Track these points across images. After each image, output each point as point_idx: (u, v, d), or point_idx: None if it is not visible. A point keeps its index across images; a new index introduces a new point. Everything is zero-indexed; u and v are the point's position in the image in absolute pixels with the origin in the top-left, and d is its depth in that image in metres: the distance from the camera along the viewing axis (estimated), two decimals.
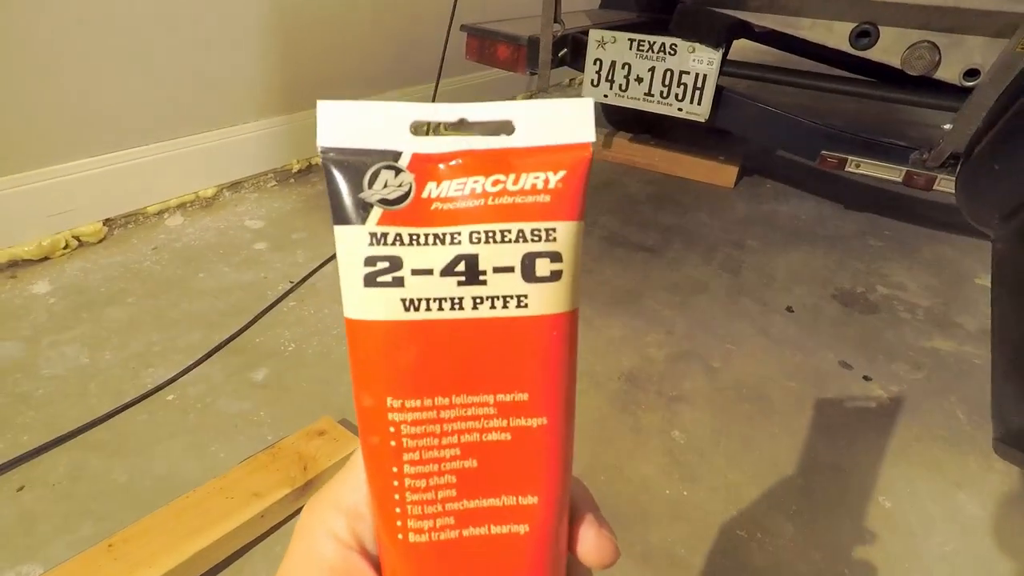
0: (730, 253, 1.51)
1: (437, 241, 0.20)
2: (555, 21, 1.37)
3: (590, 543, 0.22)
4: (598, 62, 1.42)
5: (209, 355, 1.02)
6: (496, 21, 1.61)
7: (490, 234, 0.20)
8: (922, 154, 1.14)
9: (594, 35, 1.41)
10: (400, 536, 0.21)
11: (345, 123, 0.20)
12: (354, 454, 0.22)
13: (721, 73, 1.32)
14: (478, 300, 0.20)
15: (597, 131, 2.14)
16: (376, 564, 0.22)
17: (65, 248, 1.31)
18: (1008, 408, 0.55)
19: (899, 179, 1.20)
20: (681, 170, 1.96)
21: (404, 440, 0.20)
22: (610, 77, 1.41)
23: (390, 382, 0.20)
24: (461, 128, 0.20)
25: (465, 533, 0.21)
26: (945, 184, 1.14)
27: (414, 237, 0.20)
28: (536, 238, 0.20)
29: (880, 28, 1.07)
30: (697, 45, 1.27)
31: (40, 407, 0.90)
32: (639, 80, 1.38)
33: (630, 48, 1.36)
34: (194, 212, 1.54)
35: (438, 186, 0.20)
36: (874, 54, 1.10)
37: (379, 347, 0.20)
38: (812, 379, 1.09)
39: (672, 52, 1.31)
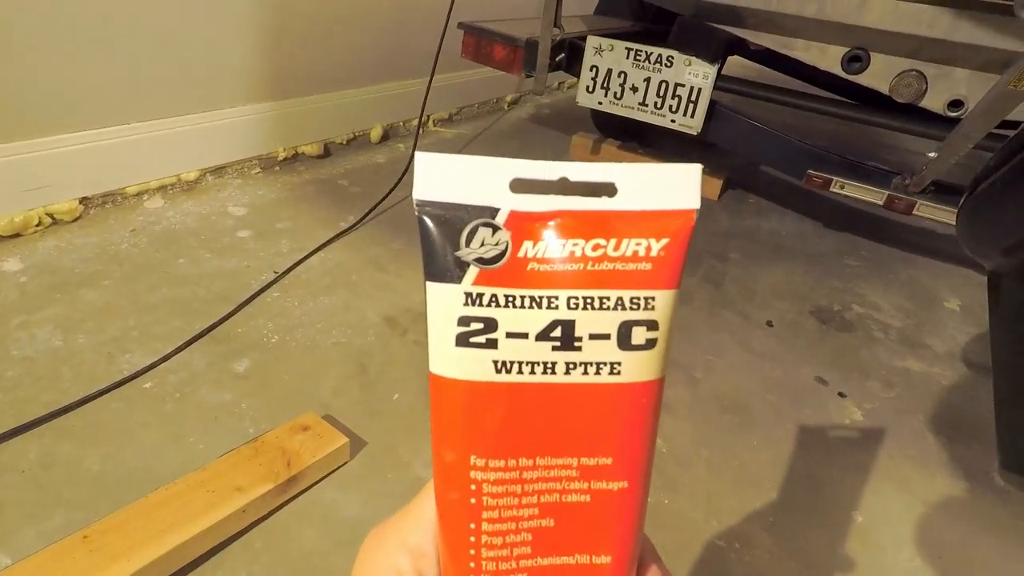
0: (713, 265, 1.53)
1: (534, 304, 0.19)
2: (555, 25, 1.37)
3: None
4: (594, 69, 1.43)
5: (189, 343, 1.00)
6: (493, 21, 1.61)
7: (588, 300, 0.19)
8: (904, 179, 1.17)
9: (592, 42, 1.41)
10: None
11: (443, 177, 0.19)
12: (422, 493, 0.22)
13: (714, 87, 1.34)
14: (571, 365, 0.20)
15: (586, 136, 2.14)
16: None
17: (38, 225, 1.27)
18: (1009, 436, 0.56)
19: (880, 202, 1.23)
20: None
21: (484, 499, 0.20)
22: (605, 84, 1.42)
23: (475, 441, 0.20)
24: (563, 188, 0.20)
25: None
26: (925, 210, 1.17)
27: (510, 299, 0.19)
28: (635, 306, 0.20)
29: (871, 54, 1.10)
30: (694, 58, 1.29)
31: (9, 390, 0.87)
32: (634, 89, 1.39)
33: (627, 57, 1.38)
34: (175, 195, 1.50)
35: (535, 246, 0.19)
36: (864, 79, 1.13)
37: (466, 406, 0.20)
38: (790, 393, 1.11)
39: (669, 64, 1.33)
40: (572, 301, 0.19)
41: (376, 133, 2.03)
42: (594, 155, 2.04)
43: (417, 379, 1.00)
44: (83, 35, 1.26)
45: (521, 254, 0.19)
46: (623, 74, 1.39)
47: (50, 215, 1.29)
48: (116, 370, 0.93)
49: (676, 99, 1.34)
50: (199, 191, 1.54)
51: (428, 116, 2.21)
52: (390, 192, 1.61)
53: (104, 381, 0.90)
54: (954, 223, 1.11)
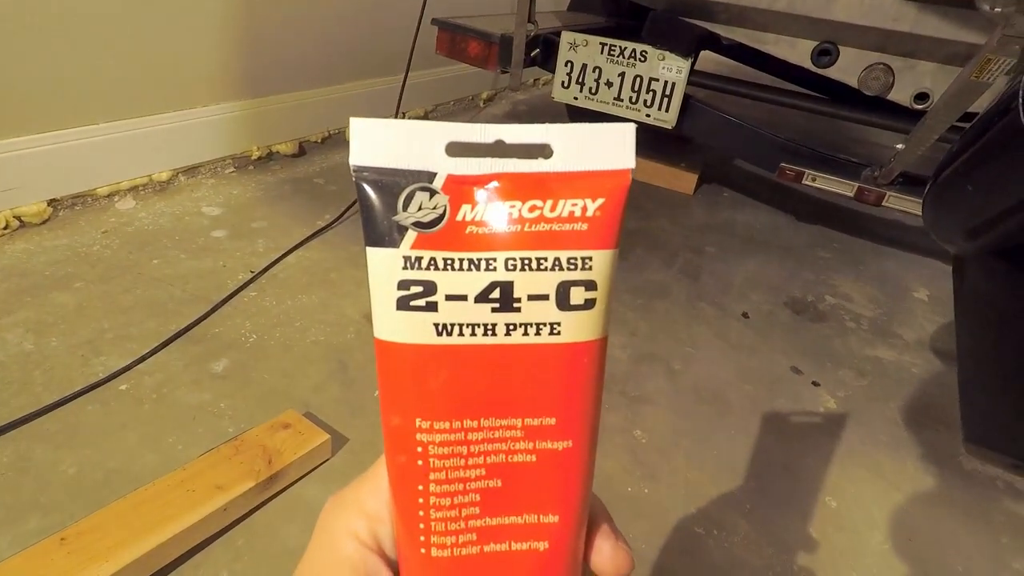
0: (690, 258, 1.55)
1: (472, 267, 0.19)
2: (529, 21, 1.38)
3: (606, 555, 0.23)
4: (569, 64, 1.44)
5: (165, 344, 0.99)
6: (468, 17, 1.61)
7: (526, 262, 0.19)
8: (873, 171, 1.20)
9: (566, 37, 1.42)
10: (423, 551, 0.21)
11: (379, 142, 0.19)
12: (379, 461, 0.23)
13: (688, 83, 1.35)
14: (511, 327, 0.20)
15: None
16: (394, 567, 0.22)
17: (5, 228, 1.24)
18: (970, 411, 0.59)
19: (851, 194, 1.26)
20: (642, 175, 2.00)
21: (431, 460, 0.20)
22: (580, 80, 1.43)
23: (419, 404, 0.20)
24: (497, 150, 0.20)
25: (486, 549, 0.21)
26: (894, 201, 1.20)
27: (448, 262, 0.19)
28: (572, 267, 0.20)
29: (840, 48, 1.12)
30: (667, 53, 1.30)
31: None
32: (609, 84, 1.40)
33: (601, 52, 1.39)
34: (147, 196, 1.48)
35: (473, 209, 0.20)
36: (833, 72, 1.16)
37: (409, 370, 0.20)
38: (766, 383, 1.13)
39: (643, 59, 1.34)
40: (510, 263, 0.19)
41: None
42: None
43: None
44: (50, 33, 1.24)
45: (459, 217, 0.20)
46: (598, 69, 1.40)
47: (18, 217, 1.26)
48: (91, 372, 0.92)
49: (651, 93, 1.35)
50: (172, 191, 1.52)
51: (403, 113, 2.21)
52: None
53: (78, 384, 0.89)
54: (921, 214, 1.14)
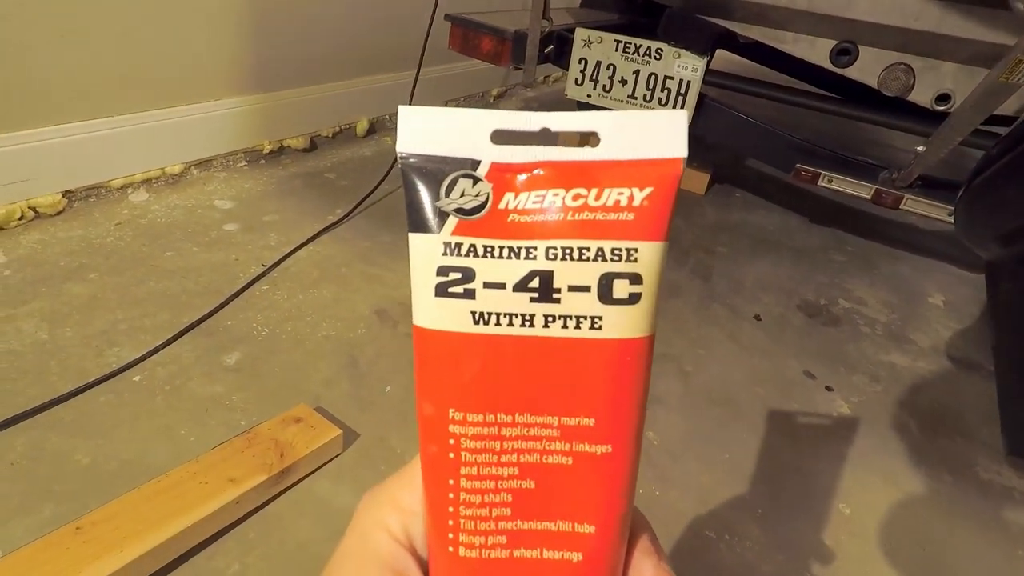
0: (701, 259, 1.54)
1: (512, 255, 0.19)
2: (543, 17, 1.37)
3: (647, 574, 0.22)
4: (583, 61, 1.43)
5: (178, 336, 0.99)
6: (481, 13, 1.60)
7: (567, 251, 0.19)
8: (892, 174, 1.19)
9: (580, 34, 1.41)
10: (451, 548, 0.21)
11: (425, 129, 0.19)
12: (415, 457, 0.22)
13: (703, 82, 1.34)
14: (550, 318, 0.19)
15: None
16: (424, 565, 0.22)
17: (20, 219, 1.25)
18: (1012, 424, 0.58)
19: (868, 196, 1.25)
20: None
21: (463, 453, 0.20)
22: (594, 77, 1.42)
23: (453, 393, 0.20)
24: (545, 138, 0.20)
25: (516, 554, 0.21)
26: (911, 204, 1.18)
27: (488, 249, 0.19)
28: (616, 258, 0.19)
29: (860, 48, 1.11)
30: (683, 51, 1.29)
31: None
32: (623, 82, 1.39)
33: (616, 49, 1.38)
34: (160, 189, 1.48)
35: (516, 197, 0.19)
36: (852, 72, 1.14)
37: (445, 357, 0.19)
38: (778, 387, 1.12)
39: (658, 56, 1.33)
40: (551, 252, 0.19)
41: (362, 126, 2.02)
42: None
43: (408, 371, 1.00)
44: (65, 27, 1.24)
45: (502, 205, 0.19)
46: (612, 66, 1.39)
47: (33, 208, 1.27)
48: (104, 363, 0.92)
49: (665, 92, 1.34)
50: (184, 184, 1.52)
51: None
52: (378, 185, 1.60)
53: (92, 374, 0.89)
54: (940, 218, 1.12)
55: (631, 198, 0.19)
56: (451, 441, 0.20)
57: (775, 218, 1.86)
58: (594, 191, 0.19)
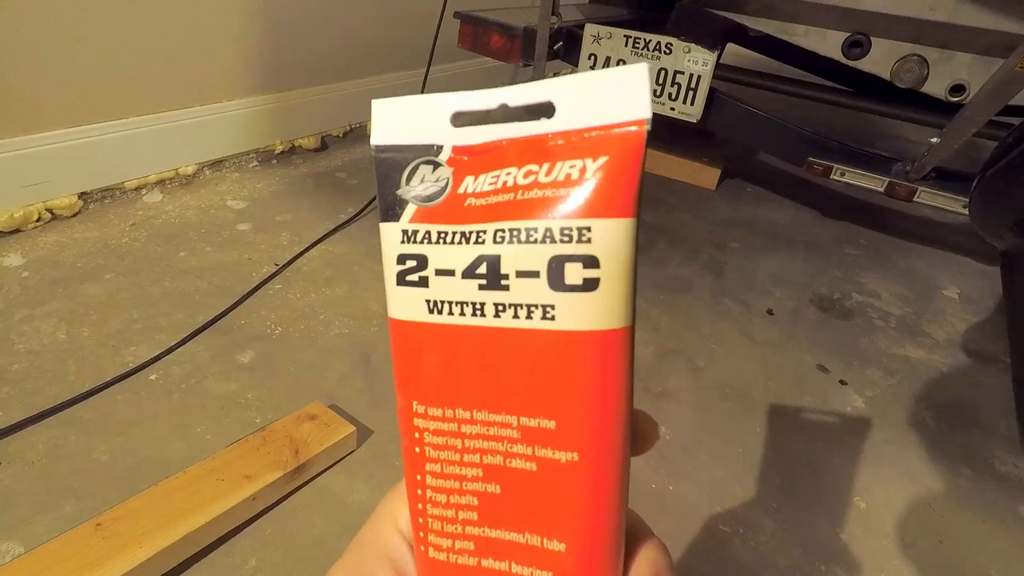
0: (713, 254, 1.54)
1: (462, 240, 0.18)
2: (552, 13, 1.37)
3: None
4: (592, 57, 1.43)
5: (193, 335, 1.00)
6: (490, 10, 1.60)
7: (515, 233, 0.17)
8: (905, 166, 1.18)
9: (590, 30, 1.41)
10: (422, 548, 0.20)
11: (393, 120, 0.19)
12: None
13: (713, 76, 1.34)
14: (500, 307, 0.18)
15: None
16: None
17: (38, 221, 1.26)
18: None
19: (881, 189, 1.23)
20: (664, 170, 1.99)
21: (427, 449, 0.19)
22: None
23: (417, 385, 0.19)
24: (502, 115, 0.18)
25: (484, 564, 0.19)
26: (925, 196, 1.17)
27: (441, 235, 0.18)
28: (566, 238, 0.17)
29: (872, 39, 1.10)
30: (693, 45, 1.29)
31: (16, 383, 0.87)
32: None
33: (625, 45, 1.37)
34: (173, 189, 1.50)
35: (475, 180, 0.18)
36: (865, 65, 1.13)
37: (406, 348, 0.19)
38: (792, 381, 1.12)
39: (668, 51, 1.32)
40: (498, 235, 0.17)
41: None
42: None
43: None
44: (79, 30, 1.25)
45: (461, 190, 0.18)
46: (621, 62, 1.38)
47: (50, 210, 1.28)
48: (121, 362, 0.93)
49: (676, 87, 1.34)
50: (197, 185, 1.54)
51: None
52: None
53: (110, 373, 0.90)
54: (955, 210, 1.11)
55: (583, 170, 0.17)
56: (416, 435, 0.19)
57: (787, 212, 1.85)
58: (546, 166, 0.17)
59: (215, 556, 0.67)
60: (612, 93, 0.17)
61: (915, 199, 1.19)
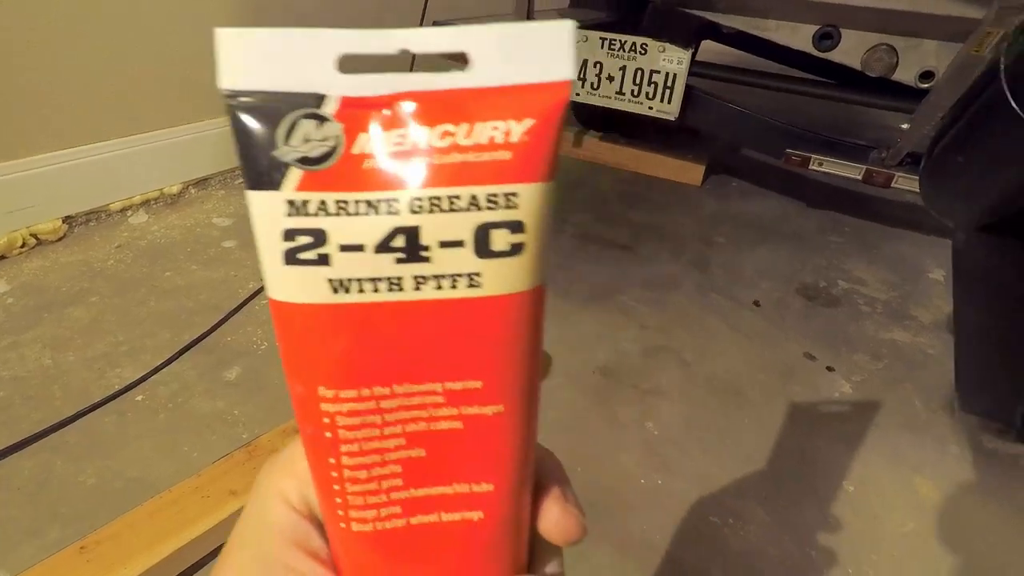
0: (699, 249, 1.54)
1: (370, 210, 0.16)
2: (528, 18, 1.38)
3: (552, 520, 0.22)
4: None
5: (179, 354, 1.00)
6: (470, 18, 1.61)
7: (435, 201, 0.16)
8: (881, 153, 1.19)
9: None
10: (343, 525, 0.20)
11: (254, 58, 0.16)
12: None
13: (690, 73, 1.35)
14: (421, 280, 0.17)
15: (567, 129, 2.16)
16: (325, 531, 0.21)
17: (22, 246, 1.27)
18: (968, 384, 0.58)
19: (859, 177, 1.24)
20: (650, 168, 1.99)
21: (340, 431, 0.18)
22: (582, 76, 1.43)
23: (321, 371, 0.18)
24: (405, 63, 0.17)
25: (413, 521, 0.20)
26: (903, 182, 1.18)
27: (342, 205, 0.16)
28: (493, 205, 0.16)
29: (842, 31, 1.11)
30: (667, 45, 1.30)
31: (1, 410, 0.87)
32: (610, 79, 1.40)
33: (602, 47, 1.38)
34: (159, 210, 1.50)
35: (373, 140, 0.16)
36: (836, 56, 1.14)
37: (305, 333, 0.17)
38: (779, 371, 1.12)
39: (643, 51, 1.33)
40: (416, 203, 0.16)
41: None
42: (576, 147, 2.05)
43: None
44: (59, 55, 1.26)
45: (356, 150, 0.16)
46: (599, 64, 1.39)
47: (34, 235, 1.29)
48: (107, 385, 0.93)
49: (652, 86, 1.35)
50: (183, 204, 1.54)
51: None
52: None
53: (95, 396, 0.90)
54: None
55: (508, 133, 0.16)
56: (326, 420, 0.18)
57: (772, 205, 1.86)
58: (464, 127, 0.16)
59: (201, 574, 0.67)
60: (535, 49, 0.16)
61: (893, 185, 1.19)
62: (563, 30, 0.16)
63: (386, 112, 0.16)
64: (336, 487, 0.19)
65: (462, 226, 0.16)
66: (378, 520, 0.19)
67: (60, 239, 1.32)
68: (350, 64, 0.16)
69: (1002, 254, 0.51)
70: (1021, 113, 0.44)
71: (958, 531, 0.83)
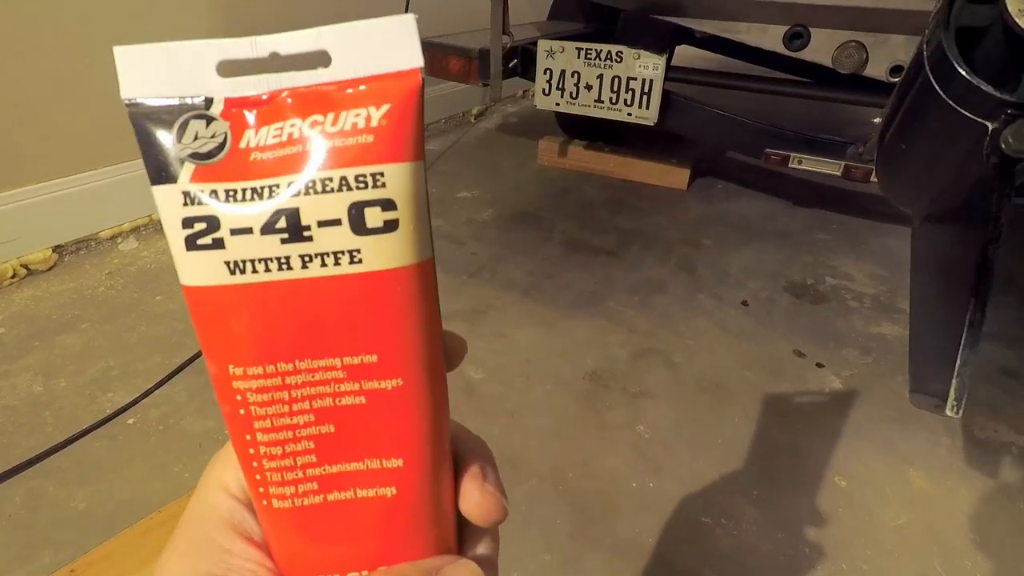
0: (686, 252, 1.55)
1: (255, 196, 0.18)
2: (504, 33, 1.40)
3: (472, 501, 0.22)
4: (548, 71, 1.46)
5: (170, 377, 1.01)
6: (447, 35, 1.63)
7: (310, 185, 0.18)
8: (858, 148, 1.20)
9: (543, 45, 1.44)
10: (264, 502, 0.21)
11: (149, 70, 0.18)
12: None
13: (668, 79, 1.37)
14: (306, 258, 0.18)
15: (552, 139, 2.16)
16: None
17: (13, 277, 1.28)
18: (918, 365, 0.59)
19: (838, 173, 1.26)
20: (635, 175, 2.01)
21: (252, 408, 0.19)
22: (560, 85, 1.45)
23: (229, 349, 0.19)
24: (275, 64, 0.18)
25: (330, 498, 0.21)
26: None
27: (230, 193, 0.18)
28: (362, 185, 0.18)
29: (811, 30, 1.13)
30: (642, 52, 1.32)
31: None
32: (588, 87, 1.42)
33: (578, 57, 1.40)
34: (149, 235, 1.51)
35: (256, 134, 0.18)
36: (807, 55, 1.16)
37: (212, 313, 0.19)
38: (768, 369, 1.13)
39: (619, 59, 1.35)
40: (294, 187, 0.18)
41: None
42: (562, 157, 2.07)
43: None
44: (46, 86, 1.28)
45: (243, 144, 0.18)
46: (576, 74, 1.41)
47: (24, 266, 1.30)
48: (98, 410, 0.94)
49: (630, 93, 1.37)
50: None
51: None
52: None
53: (87, 421, 0.91)
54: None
55: (368, 118, 0.18)
56: (239, 398, 0.19)
57: (758, 205, 1.87)
58: (331, 115, 0.18)
59: None
60: (385, 43, 0.18)
61: (871, 179, 1.21)
62: (407, 23, 0.18)
63: (264, 109, 0.18)
64: (255, 464, 0.20)
65: (336, 206, 0.18)
66: (296, 496, 0.20)
67: (51, 268, 1.33)
68: (230, 69, 0.18)
69: (951, 240, 0.52)
70: (943, 95, 0.45)
71: (952, 521, 0.84)
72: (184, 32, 1.52)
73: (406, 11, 1.33)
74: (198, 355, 1.06)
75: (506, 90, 1.55)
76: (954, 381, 0.53)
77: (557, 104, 1.47)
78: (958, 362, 0.54)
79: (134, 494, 0.80)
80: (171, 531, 0.61)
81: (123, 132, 1.44)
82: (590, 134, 2.11)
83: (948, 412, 0.55)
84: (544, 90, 1.48)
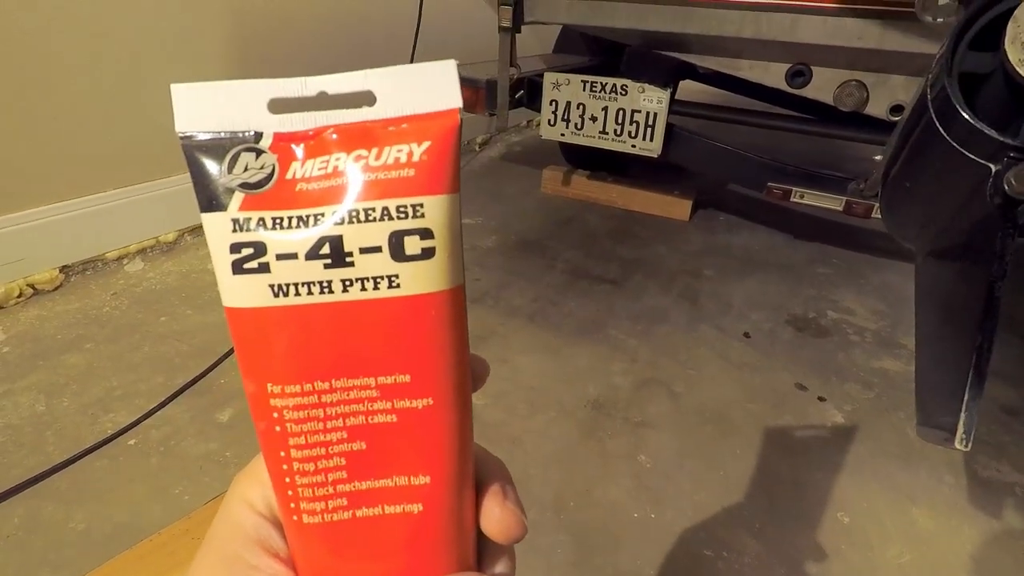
0: (688, 283, 1.56)
1: (300, 224, 0.19)
2: (511, 64, 1.43)
3: (494, 518, 0.23)
4: (554, 103, 1.48)
5: (172, 398, 1.01)
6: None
7: (354, 214, 0.19)
8: (859, 184, 1.22)
9: (549, 77, 1.47)
10: (295, 517, 0.21)
11: (202, 106, 0.19)
12: None
13: (672, 112, 1.39)
14: (347, 282, 0.19)
15: (556, 168, 2.19)
16: None
17: (19, 296, 1.28)
18: (926, 399, 0.59)
19: (840, 208, 1.27)
20: (638, 205, 2.03)
21: (288, 425, 0.20)
22: (566, 117, 1.47)
23: (268, 368, 0.20)
24: (322, 102, 0.20)
25: (359, 514, 0.21)
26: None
27: (277, 221, 0.19)
28: (402, 215, 0.19)
29: (813, 68, 1.15)
30: (647, 85, 1.34)
31: None
32: (593, 119, 1.44)
33: (583, 89, 1.43)
34: (155, 257, 1.52)
35: (302, 166, 0.19)
36: (808, 92, 1.18)
37: (253, 334, 0.20)
38: (771, 401, 1.13)
39: (623, 92, 1.38)
40: (338, 216, 0.19)
41: None
42: (565, 186, 2.09)
43: None
44: (54, 108, 1.30)
45: (289, 176, 0.19)
46: (581, 105, 1.44)
47: (31, 286, 1.30)
48: (100, 430, 0.94)
49: (634, 125, 1.39)
50: (178, 251, 1.57)
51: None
52: None
53: (88, 441, 0.91)
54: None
55: (410, 154, 0.19)
56: (275, 415, 0.20)
57: (760, 237, 1.89)
58: (374, 151, 0.19)
59: None
60: (427, 85, 0.20)
61: (873, 215, 1.22)
62: (448, 68, 0.20)
63: (310, 143, 0.20)
64: (287, 479, 0.21)
65: (378, 234, 0.19)
66: (326, 512, 0.21)
67: (57, 288, 1.34)
68: (280, 106, 0.20)
69: (955, 277, 0.53)
70: (947, 137, 0.46)
71: (956, 561, 0.83)
72: (195, 59, 1.55)
73: (413, 48, 1.37)
74: (200, 376, 1.07)
75: (510, 120, 1.58)
76: (962, 415, 0.54)
77: (562, 135, 1.50)
78: (966, 396, 0.55)
79: (133, 516, 0.80)
80: (169, 554, 0.60)
81: (132, 156, 1.47)
82: (593, 164, 2.14)
83: (957, 445, 0.55)
84: (550, 121, 1.50)
